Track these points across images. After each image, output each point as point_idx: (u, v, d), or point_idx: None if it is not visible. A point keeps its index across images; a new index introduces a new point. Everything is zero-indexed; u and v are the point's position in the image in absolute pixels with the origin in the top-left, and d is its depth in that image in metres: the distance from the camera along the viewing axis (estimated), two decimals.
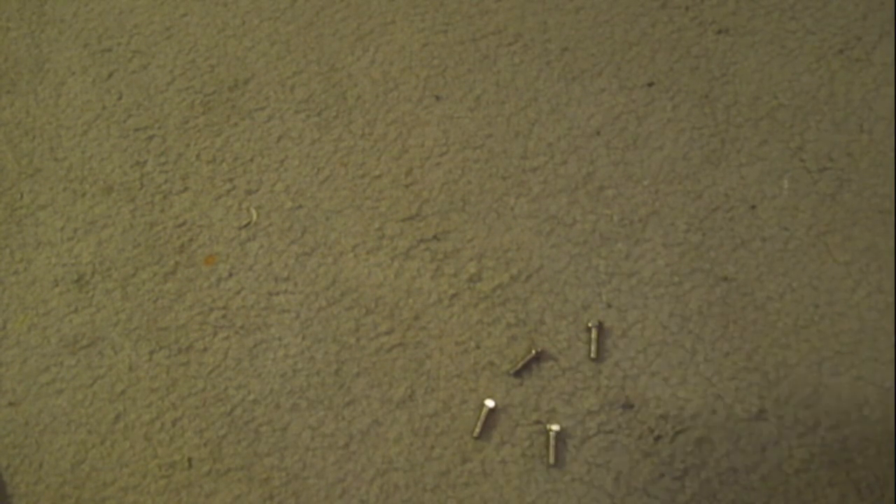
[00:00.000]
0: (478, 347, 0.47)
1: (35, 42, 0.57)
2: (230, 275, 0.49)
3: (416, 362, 0.47)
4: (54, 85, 0.55)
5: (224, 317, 0.48)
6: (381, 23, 0.56)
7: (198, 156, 0.53)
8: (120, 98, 0.55)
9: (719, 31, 0.54)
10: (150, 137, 0.53)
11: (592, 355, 0.46)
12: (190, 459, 0.45)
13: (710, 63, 0.53)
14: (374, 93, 0.54)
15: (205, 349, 0.48)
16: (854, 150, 0.50)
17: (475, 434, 0.45)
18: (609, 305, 0.48)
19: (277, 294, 0.49)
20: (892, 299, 0.46)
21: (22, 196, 0.52)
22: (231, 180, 0.52)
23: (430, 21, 0.55)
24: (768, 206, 0.49)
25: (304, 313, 0.48)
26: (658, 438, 0.44)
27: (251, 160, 0.52)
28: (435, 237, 0.50)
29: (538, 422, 0.46)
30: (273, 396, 0.46)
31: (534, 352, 0.46)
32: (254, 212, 0.51)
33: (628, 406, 0.45)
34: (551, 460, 0.44)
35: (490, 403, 0.45)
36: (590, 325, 0.46)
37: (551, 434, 0.45)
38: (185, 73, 0.55)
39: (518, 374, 0.46)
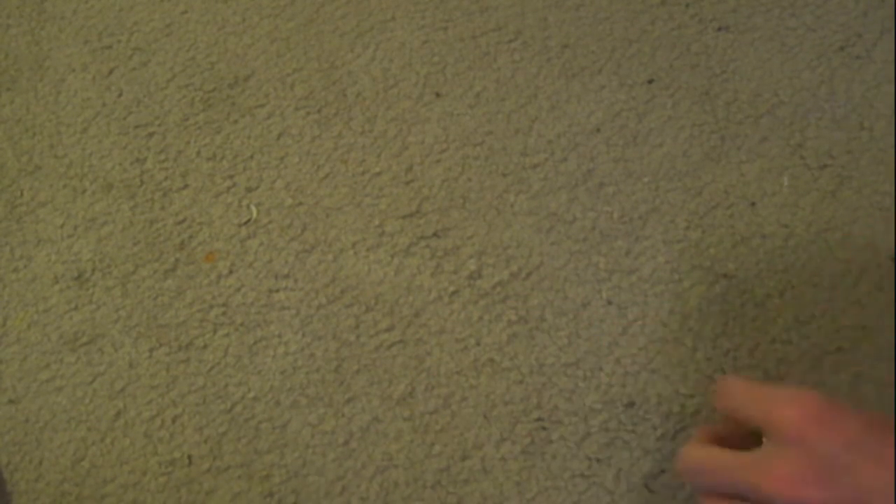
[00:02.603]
0: (478, 344, 0.47)
1: (35, 39, 0.57)
2: (230, 272, 0.49)
3: (416, 359, 0.47)
4: (54, 82, 0.55)
5: (224, 314, 0.48)
6: (381, 20, 0.56)
7: (198, 153, 0.53)
8: (120, 95, 0.55)
9: (719, 29, 0.54)
10: (151, 134, 0.53)
11: None
12: (190, 456, 0.45)
13: (711, 60, 0.53)
14: (374, 90, 0.54)
15: (205, 346, 0.48)
16: (854, 147, 0.50)
17: None
18: (609, 303, 0.48)
19: (277, 291, 0.49)
20: (892, 296, 0.46)
21: (22, 193, 0.52)
22: (231, 177, 0.52)
23: (430, 18, 0.55)
24: (768, 203, 0.49)
25: (304, 310, 0.48)
26: (660, 436, 0.44)
27: (251, 157, 0.52)
28: (435, 234, 0.50)
29: (539, 419, 0.46)
30: (273, 393, 0.46)
31: None
32: (254, 209, 0.51)
33: (630, 404, 0.45)
34: None
35: None
36: None
37: None
38: (186, 71, 0.55)
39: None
